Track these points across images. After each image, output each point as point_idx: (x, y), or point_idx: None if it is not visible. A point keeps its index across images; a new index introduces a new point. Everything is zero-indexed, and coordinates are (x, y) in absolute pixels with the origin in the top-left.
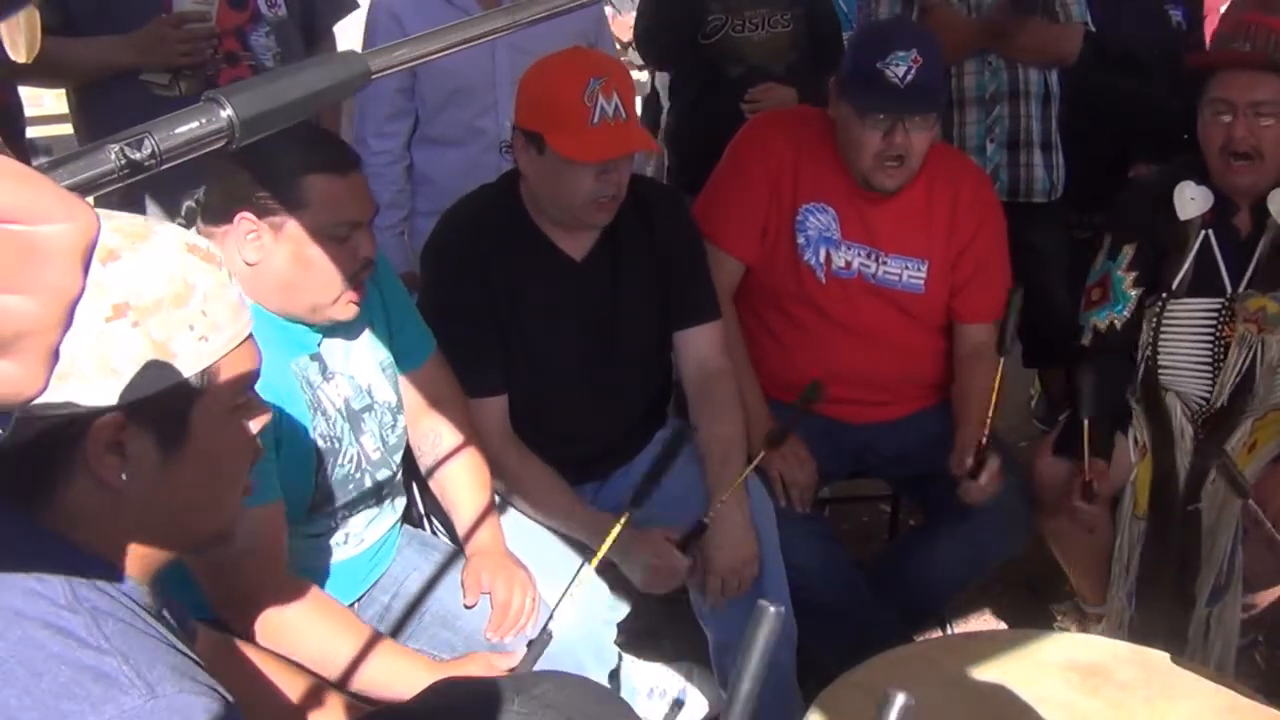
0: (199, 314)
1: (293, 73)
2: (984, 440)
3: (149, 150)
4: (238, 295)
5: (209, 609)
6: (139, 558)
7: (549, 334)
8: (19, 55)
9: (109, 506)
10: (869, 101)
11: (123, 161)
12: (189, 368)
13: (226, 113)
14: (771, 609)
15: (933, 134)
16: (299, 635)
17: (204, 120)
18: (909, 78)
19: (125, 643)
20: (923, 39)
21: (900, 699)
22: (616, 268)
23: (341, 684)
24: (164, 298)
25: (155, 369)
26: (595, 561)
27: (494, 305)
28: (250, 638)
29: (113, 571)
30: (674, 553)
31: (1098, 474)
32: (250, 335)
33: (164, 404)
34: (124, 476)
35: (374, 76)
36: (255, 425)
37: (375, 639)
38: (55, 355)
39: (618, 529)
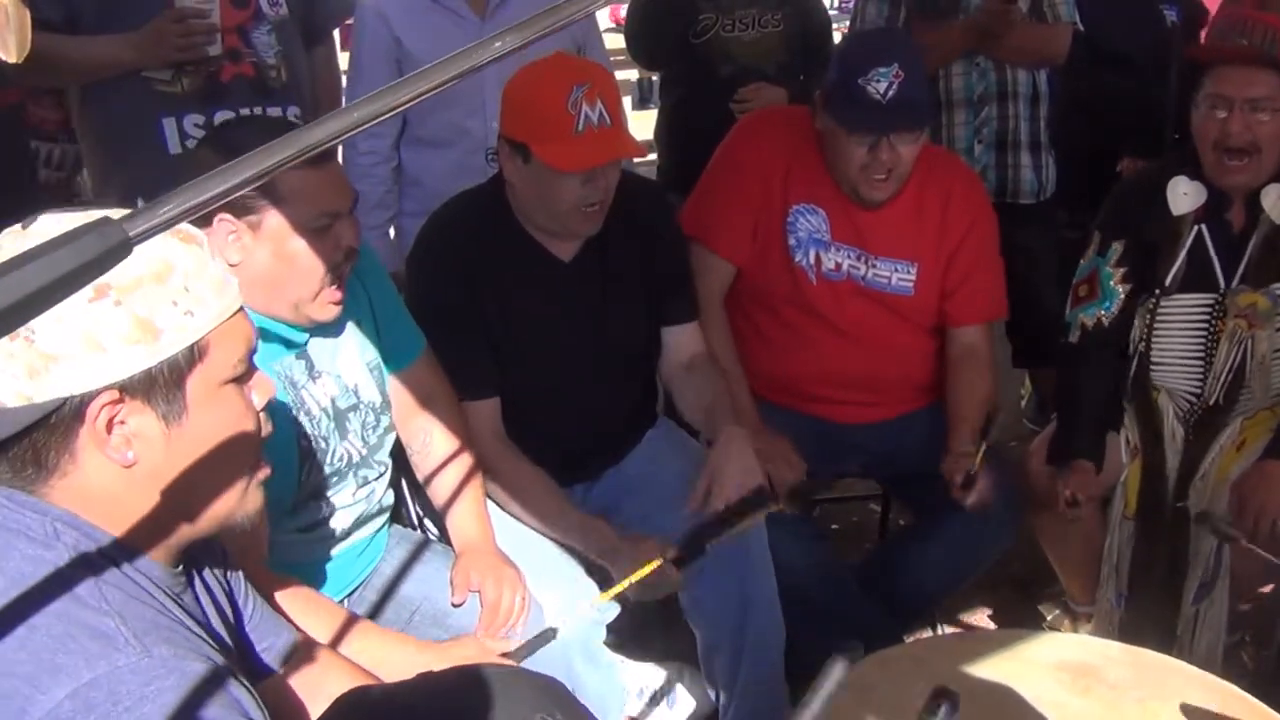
0: (181, 290)
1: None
2: (974, 468)
3: None
4: (220, 272)
5: None
6: (155, 536)
7: (537, 335)
8: (9, 54)
9: (121, 485)
10: (852, 118)
11: None
12: (176, 343)
13: None
14: (840, 662)
15: (920, 145)
16: None
17: None
18: (891, 93)
19: (126, 607)
20: (905, 53)
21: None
22: (604, 267)
23: None
24: (143, 275)
25: (143, 345)
26: (608, 596)
27: (481, 308)
28: None
29: (125, 549)
30: (668, 571)
31: (1077, 487)
32: (241, 309)
33: (157, 379)
34: (131, 455)
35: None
36: (258, 397)
37: (354, 621)
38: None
39: (648, 570)
